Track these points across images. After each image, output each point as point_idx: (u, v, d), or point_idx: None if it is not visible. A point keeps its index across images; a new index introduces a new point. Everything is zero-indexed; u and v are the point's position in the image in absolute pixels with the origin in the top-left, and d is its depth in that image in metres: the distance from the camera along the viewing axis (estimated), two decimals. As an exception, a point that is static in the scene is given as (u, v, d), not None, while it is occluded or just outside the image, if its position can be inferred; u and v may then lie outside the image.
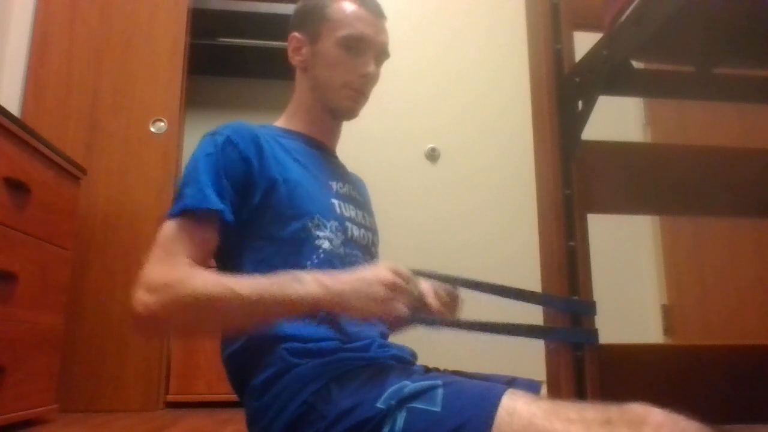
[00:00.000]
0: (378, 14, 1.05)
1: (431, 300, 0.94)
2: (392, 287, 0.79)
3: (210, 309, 0.80)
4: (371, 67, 1.02)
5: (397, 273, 0.80)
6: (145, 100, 2.59)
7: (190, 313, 0.81)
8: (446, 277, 0.93)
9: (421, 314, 0.91)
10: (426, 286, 0.98)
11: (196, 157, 0.92)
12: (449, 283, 0.95)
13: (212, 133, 0.94)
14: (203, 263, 0.86)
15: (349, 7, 1.03)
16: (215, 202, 0.87)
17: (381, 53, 1.05)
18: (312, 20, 1.05)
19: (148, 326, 0.82)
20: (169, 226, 0.86)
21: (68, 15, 2.62)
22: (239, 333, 0.88)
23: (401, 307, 0.79)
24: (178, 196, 0.89)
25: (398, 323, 0.84)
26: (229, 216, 0.88)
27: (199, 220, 0.87)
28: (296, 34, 1.07)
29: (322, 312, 0.83)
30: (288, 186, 0.93)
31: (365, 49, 1.02)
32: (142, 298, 0.79)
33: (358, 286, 0.79)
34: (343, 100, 1.03)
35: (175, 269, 0.82)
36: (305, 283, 0.79)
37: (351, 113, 1.05)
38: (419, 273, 0.89)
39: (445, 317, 0.95)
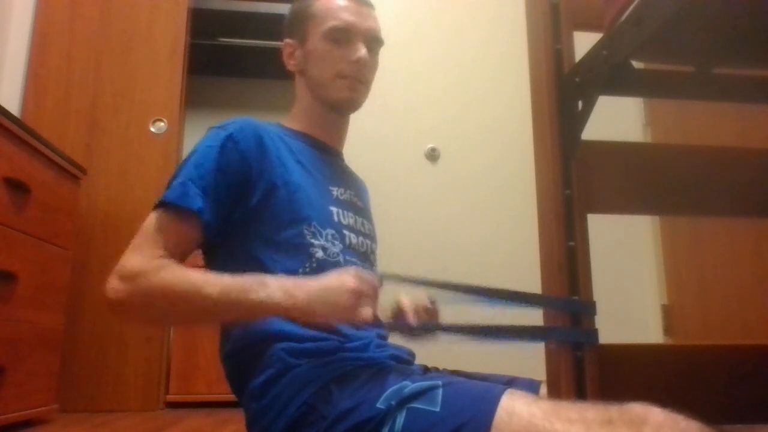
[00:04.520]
0: (362, 2, 1.04)
1: (410, 318, 0.94)
2: (357, 293, 0.78)
3: (175, 304, 0.81)
4: (362, 52, 1.00)
5: (362, 279, 0.80)
6: (145, 100, 2.59)
7: (156, 305, 0.82)
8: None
9: (430, 323, 0.92)
10: (406, 303, 0.99)
11: (196, 148, 0.92)
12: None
13: (219, 126, 0.94)
14: (180, 257, 0.87)
15: (332, 1, 1.03)
16: (195, 201, 0.87)
17: (372, 40, 1.04)
18: (299, 22, 1.06)
19: (118, 312, 0.83)
20: (152, 216, 0.88)
21: (68, 15, 2.62)
22: (209, 326, 0.88)
23: (366, 313, 0.78)
24: (167, 185, 0.90)
25: (365, 327, 0.84)
26: (207, 216, 0.88)
27: (178, 214, 0.87)
28: (288, 40, 1.08)
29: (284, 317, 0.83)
30: (288, 190, 0.93)
31: (353, 38, 1.01)
32: (113, 284, 0.81)
33: (323, 293, 0.78)
34: (339, 91, 1.02)
35: (147, 260, 0.83)
36: (269, 288, 0.79)
37: (351, 103, 1.03)
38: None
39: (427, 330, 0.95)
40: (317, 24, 1.02)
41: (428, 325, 0.93)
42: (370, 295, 0.80)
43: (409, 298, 1.01)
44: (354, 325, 0.82)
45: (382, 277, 0.87)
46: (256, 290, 0.79)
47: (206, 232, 0.89)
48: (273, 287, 0.79)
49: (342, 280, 0.80)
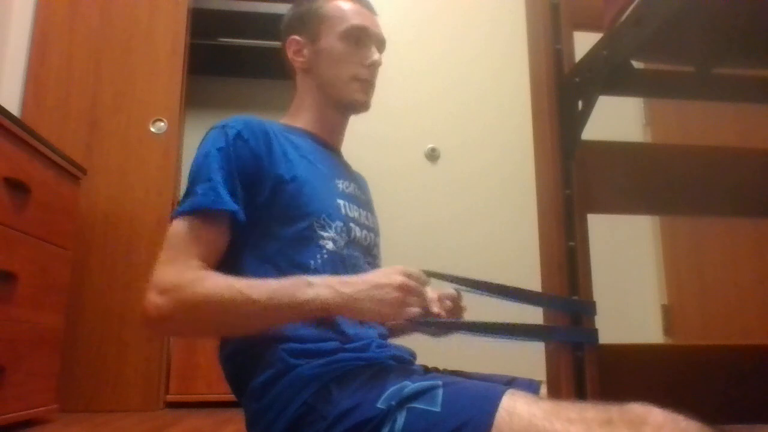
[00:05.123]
0: (371, 9, 1.09)
1: (435, 308, 0.94)
2: (406, 291, 0.79)
3: (220, 312, 0.80)
4: (377, 56, 1.05)
5: (409, 276, 0.80)
6: (145, 100, 2.59)
7: (201, 315, 0.81)
8: (451, 277, 0.94)
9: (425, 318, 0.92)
10: (430, 293, 0.99)
11: (207, 152, 0.90)
12: (453, 282, 0.95)
13: (222, 125, 0.93)
14: (213, 263, 0.86)
15: (345, 5, 1.06)
16: (229, 203, 0.86)
17: (381, 45, 1.08)
18: (310, 21, 1.07)
19: (159, 327, 0.82)
20: (180, 225, 0.86)
21: (68, 15, 2.62)
22: (249, 335, 0.87)
23: (414, 310, 0.79)
24: (190, 192, 0.88)
25: (408, 325, 0.84)
26: (241, 216, 0.88)
27: (210, 219, 0.86)
28: (295, 37, 1.07)
29: (333, 316, 0.83)
30: (296, 184, 0.93)
31: (367, 40, 1.05)
32: (153, 299, 0.79)
33: (371, 290, 0.79)
34: (354, 93, 1.04)
35: (186, 271, 0.81)
36: (316, 287, 0.79)
37: (364, 105, 1.06)
38: (428, 273, 0.89)
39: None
40: (333, 24, 1.04)
41: (437, 322, 0.93)
42: (418, 292, 0.80)
43: (432, 292, 1.00)
44: (398, 324, 0.82)
45: (428, 275, 0.87)
46: (303, 290, 0.79)
47: (235, 232, 0.89)
48: (320, 286, 0.79)
49: (389, 276, 0.80)
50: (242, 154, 0.90)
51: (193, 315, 0.80)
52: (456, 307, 0.98)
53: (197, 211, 0.86)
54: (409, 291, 0.79)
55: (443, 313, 0.93)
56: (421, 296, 0.81)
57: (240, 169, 0.89)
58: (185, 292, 0.79)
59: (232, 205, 0.86)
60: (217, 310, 0.79)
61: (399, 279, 0.79)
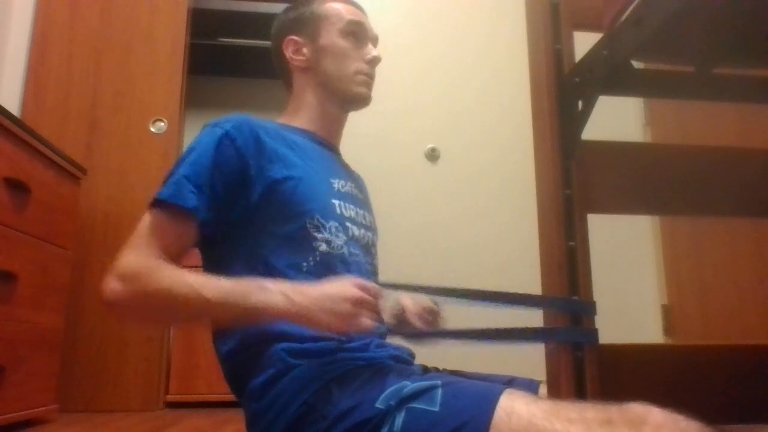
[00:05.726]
0: (362, 9, 1.13)
1: (413, 319, 0.94)
2: (357, 303, 0.79)
3: (172, 306, 0.81)
4: (376, 51, 1.09)
5: (362, 288, 0.80)
6: (145, 100, 2.59)
7: (153, 306, 0.83)
8: (412, 287, 0.94)
9: (410, 328, 0.93)
10: (408, 304, 1.00)
11: (192, 147, 0.92)
12: (414, 292, 0.95)
13: (214, 123, 0.94)
14: (177, 257, 0.87)
15: (338, 5, 1.10)
16: (189, 199, 0.86)
17: (375, 40, 1.12)
18: (307, 21, 1.09)
19: (115, 312, 0.83)
20: (148, 215, 0.88)
21: (68, 15, 2.62)
22: (202, 327, 0.88)
23: (366, 323, 0.79)
24: (163, 183, 0.89)
25: (364, 335, 0.84)
26: (202, 215, 0.87)
27: (173, 213, 0.87)
28: (293, 37, 1.09)
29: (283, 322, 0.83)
30: (290, 184, 0.93)
31: (365, 37, 1.09)
32: (112, 285, 0.81)
33: (323, 301, 0.78)
34: (357, 87, 1.07)
35: (145, 260, 0.83)
36: (269, 292, 0.79)
37: (367, 99, 1.09)
38: (386, 285, 0.89)
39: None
40: (332, 22, 1.08)
41: (430, 330, 0.93)
42: (371, 304, 0.80)
43: (410, 299, 1.01)
44: (352, 335, 0.83)
45: (383, 286, 0.87)
46: (255, 294, 0.79)
47: (202, 230, 0.89)
48: (273, 291, 0.79)
49: (343, 288, 0.80)
50: (227, 154, 0.90)
51: (146, 305, 0.82)
52: (435, 321, 0.99)
53: (162, 203, 0.87)
54: (362, 304, 0.79)
55: (421, 326, 0.94)
56: (374, 310, 0.81)
57: (222, 168, 0.89)
58: (141, 282, 0.80)
59: (191, 201, 0.86)
60: (170, 303, 0.81)
61: (352, 291, 0.79)
